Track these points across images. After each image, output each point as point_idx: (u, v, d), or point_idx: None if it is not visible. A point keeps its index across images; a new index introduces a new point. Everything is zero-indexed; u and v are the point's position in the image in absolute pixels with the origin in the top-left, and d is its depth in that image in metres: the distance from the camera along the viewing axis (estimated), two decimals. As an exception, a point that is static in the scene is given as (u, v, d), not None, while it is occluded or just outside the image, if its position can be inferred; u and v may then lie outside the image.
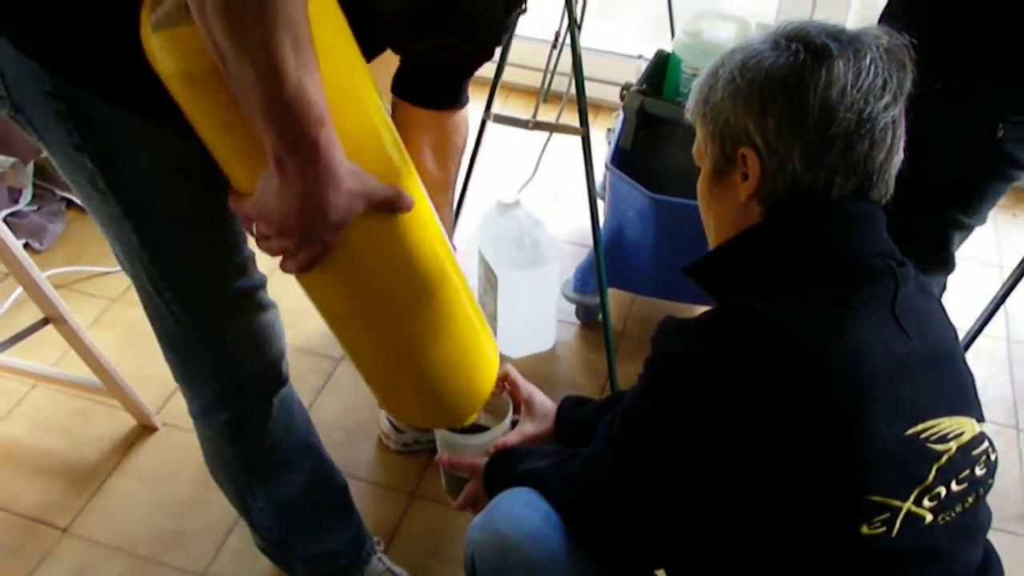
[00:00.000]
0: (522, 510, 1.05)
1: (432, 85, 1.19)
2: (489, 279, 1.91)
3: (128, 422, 1.82)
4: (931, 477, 0.85)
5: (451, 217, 1.35)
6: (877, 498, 0.83)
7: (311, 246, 0.89)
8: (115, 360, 1.73)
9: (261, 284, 1.15)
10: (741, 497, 0.86)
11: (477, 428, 1.30)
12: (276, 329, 1.19)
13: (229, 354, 1.17)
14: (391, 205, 0.93)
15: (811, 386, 0.82)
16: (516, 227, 1.87)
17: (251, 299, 1.14)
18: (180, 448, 1.77)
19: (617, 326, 2.11)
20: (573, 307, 2.10)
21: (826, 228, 0.89)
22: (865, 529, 0.83)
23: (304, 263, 0.91)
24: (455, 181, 1.35)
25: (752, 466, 0.84)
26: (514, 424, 1.34)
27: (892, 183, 0.91)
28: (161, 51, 0.83)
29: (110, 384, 1.70)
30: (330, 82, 0.82)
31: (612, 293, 2.12)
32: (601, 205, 2.05)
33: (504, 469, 1.17)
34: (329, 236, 0.89)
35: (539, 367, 2.00)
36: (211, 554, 1.59)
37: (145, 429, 1.81)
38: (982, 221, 1.41)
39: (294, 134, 0.80)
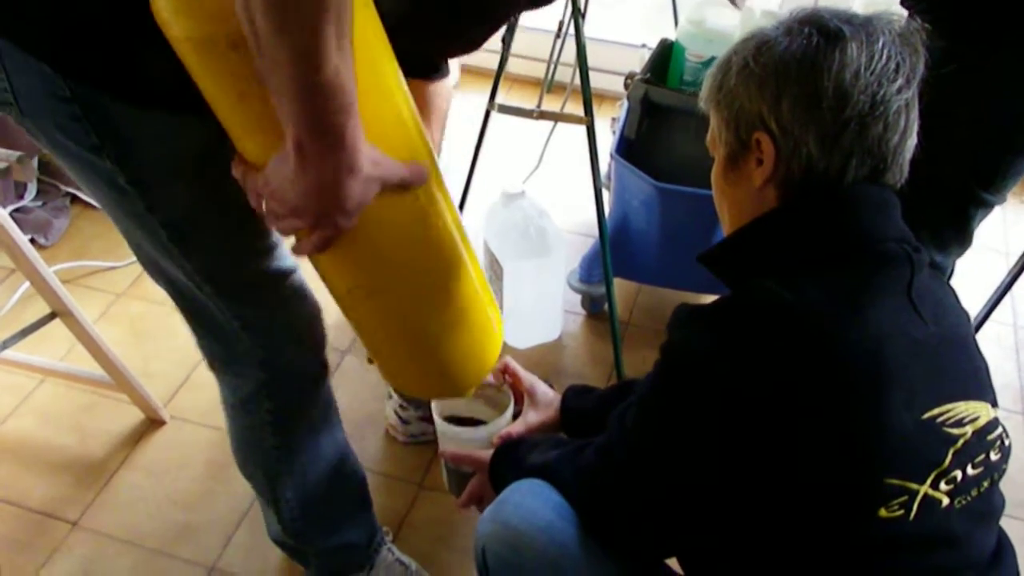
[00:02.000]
0: (533, 502, 1.04)
1: (414, 57, 1.10)
2: (495, 269, 1.90)
3: (136, 416, 1.82)
4: (948, 461, 0.85)
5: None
6: (895, 481, 0.83)
7: (324, 229, 0.88)
8: (122, 355, 1.73)
9: (294, 268, 1.14)
10: (760, 484, 0.86)
11: (478, 422, 1.30)
12: (317, 314, 1.19)
13: (274, 340, 1.16)
14: (406, 184, 0.92)
15: (831, 371, 0.82)
16: (521, 218, 1.86)
17: (288, 282, 1.13)
18: (188, 442, 1.77)
19: (623, 316, 2.11)
20: (579, 297, 2.10)
21: (842, 212, 0.88)
22: (883, 512, 0.83)
23: (318, 245, 0.90)
24: (439, 147, 1.33)
25: (772, 452, 0.84)
26: (516, 416, 1.34)
27: (906, 167, 0.91)
28: (170, 13, 0.80)
29: (118, 378, 1.70)
30: (359, 60, 0.79)
31: (618, 283, 2.12)
32: (606, 195, 2.04)
33: (511, 461, 1.17)
34: (344, 221, 0.87)
35: (545, 357, 2.00)
36: (220, 547, 1.59)
37: (153, 423, 1.81)
38: (1003, 199, 1.41)
39: (322, 121, 0.78)
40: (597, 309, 2.10)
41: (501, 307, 1.92)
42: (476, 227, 2.03)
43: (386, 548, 1.46)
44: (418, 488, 1.71)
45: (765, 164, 0.90)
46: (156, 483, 1.70)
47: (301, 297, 1.16)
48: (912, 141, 0.90)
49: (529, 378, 1.36)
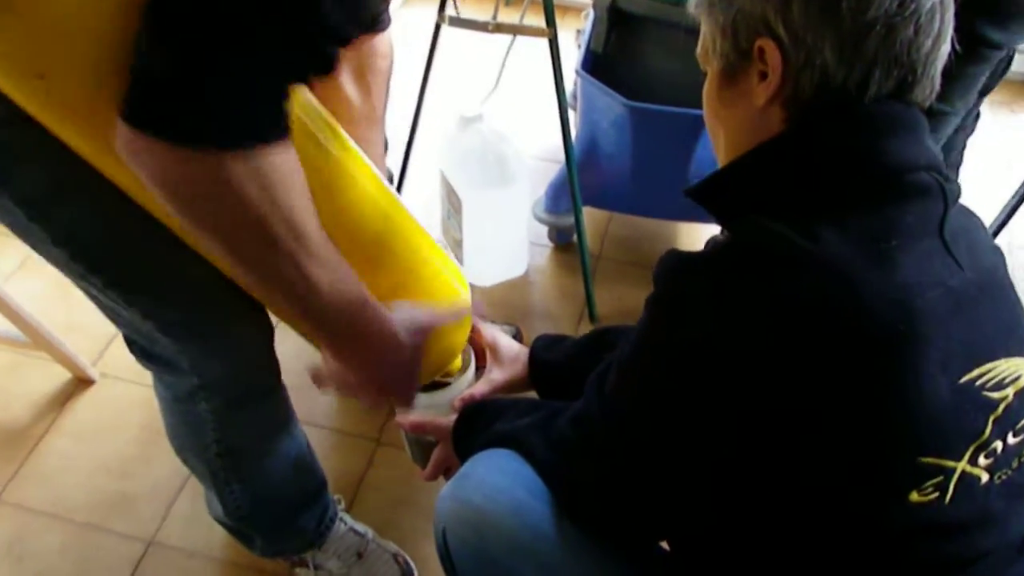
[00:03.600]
0: (499, 478, 0.91)
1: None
2: (452, 202, 1.74)
3: (62, 375, 1.65)
4: (988, 431, 0.72)
5: (382, 154, 1.19)
6: (929, 460, 0.70)
7: (398, 385, 0.99)
8: (44, 308, 1.56)
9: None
10: (765, 463, 0.72)
11: (436, 384, 1.15)
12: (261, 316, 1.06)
13: (209, 360, 1.03)
14: (453, 320, 1.02)
15: (854, 330, 0.67)
16: (479, 144, 1.69)
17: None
18: (121, 402, 1.61)
19: (593, 248, 1.95)
20: (545, 229, 1.94)
21: (863, 135, 0.73)
22: (915, 496, 0.70)
23: (383, 402, 1.01)
24: (383, 112, 1.19)
25: (779, 425, 0.70)
26: (480, 374, 1.20)
27: (938, 80, 0.76)
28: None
29: (34, 336, 1.52)
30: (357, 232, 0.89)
31: (588, 212, 1.96)
32: (573, 116, 1.87)
33: (476, 428, 1.03)
34: (411, 376, 0.99)
35: (510, 295, 1.85)
36: (158, 519, 1.45)
37: (81, 382, 1.65)
38: (956, 111, 1.29)
39: (343, 327, 0.84)
40: (565, 240, 1.95)
41: (460, 242, 1.76)
42: (430, 156, 1.85)
43: (339, 520, 1.32)
44: (375, 445, 1.56)
45: (770, 78, 0.74)
46: (86, 449, 1.55)
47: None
48: (946, 47, 0.75)
49: (491, 331, 1.21)
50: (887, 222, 0.70)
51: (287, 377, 1.18)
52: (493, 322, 1.71)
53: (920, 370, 0.68)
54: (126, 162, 0.69)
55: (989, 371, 0.72)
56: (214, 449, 1.12)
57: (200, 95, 0.66)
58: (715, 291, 0.70)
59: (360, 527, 1.36)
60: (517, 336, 1.70)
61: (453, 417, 1.10)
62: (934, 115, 1.32)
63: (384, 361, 0.91)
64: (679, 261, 0.74)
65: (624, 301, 1.83)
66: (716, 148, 0.85)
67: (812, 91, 0.73)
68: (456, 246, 1.80)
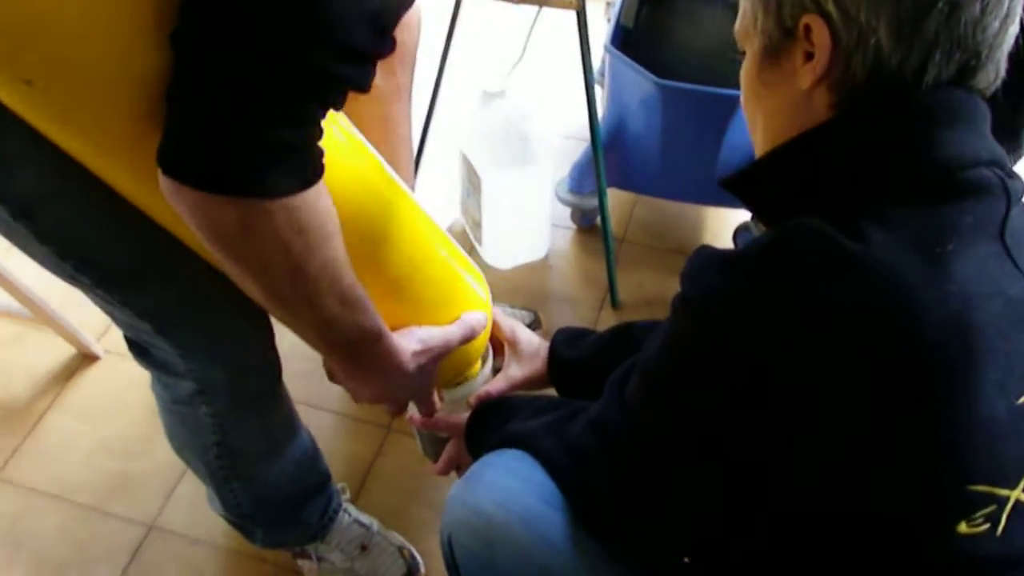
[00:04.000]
0: (511, 482, 0.85)
1: None
2: (472, 181, 1.67)
3: (67, 351, 1.61)
4: None
5: (409, 132, 1.12)
6: (981, 487, 0.63)
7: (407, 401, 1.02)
8: (48, 283, 1.49)
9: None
10: (798, 485, 0.66)
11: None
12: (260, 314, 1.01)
13: (207, 364, 0.98)
14: (466, 342, 1.00)
15: (901, 344, 0.60)
16: (502, 121, 1.62)
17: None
18: (125, 379, 1.57)
19: (618, 231, 1.88)
20: (568, 210, 1.87)
21: (919, 127, 0.65)
22: (964, 527, 0.63)
23: (401, 411, 1.02)
24: (410, 87, 1.12)
25: (815, 446, 0.63)
26: (497, 370, 1.14)
27: (1003, 65, 0.68)
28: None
29: (36, 310, 1.48)
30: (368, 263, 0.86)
31: (613, 194, 1.89)
32: (600, 93, 1.79)
33: (490, 426, 0.98)
34: (418, 399, 1.01)
35: (530, 279, 1.78)
36: (160, 502, 1.41)
37: (86, 358, 1.60)
38: None
39: (355, 358, 0.87)
40: (588, 223, 1.88)
41: (479, 223, 1.69)
42: (451, 133, 1.78)
43: (343, 511, 1.27)
44: (386, 432, 1.51)
45: (817, 59, 0.67)
46: (89, 428, 1.51)
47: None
48: (1015, 28, 0.67)
49: (510, 324, 1.15)
50: (943, 223, 0.63)
51: (297, 361, 1.13)
52: (512, 307, 1.65)
53: (975, 392, 0.60)
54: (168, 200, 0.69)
55: (1052, 392, 0.65)
56: (214, 451, 1.07)
57: (232, 146, 0.65)
58: (750, 294, 0.63)
59: (365, 519, 1.31)
60: (535, 322, 1.63)
61: (467, 414, 1.04)
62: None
63: (393, 386, 0.93)
64: (711, 259, 0.67)
65: (647, 287, 1.76)
66: (753, 135, 0.77)
67: (864, 75, 0.65)
68: (475, 227, 1.73)
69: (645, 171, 1.71)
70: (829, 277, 0.61)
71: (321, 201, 0.71)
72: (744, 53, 0.75)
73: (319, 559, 1.28)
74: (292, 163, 0.68)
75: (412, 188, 1.14)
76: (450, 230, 1.86)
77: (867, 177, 0.66)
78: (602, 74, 1.85)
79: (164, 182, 0.67)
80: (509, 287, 1.75)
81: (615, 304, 1.72)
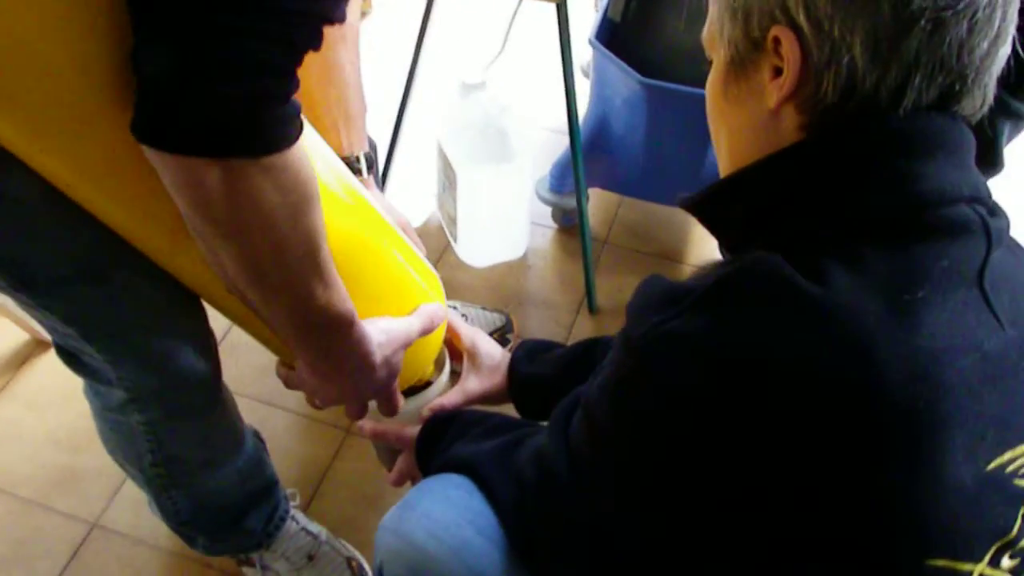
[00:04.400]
0: (446, 512, 0.80)
1: None
2: (448, 175, 1.60)
3: (18, 336, 1.55)
4: (1017, 526, 0.59)
5: (357, 81, 1.05)
6: (941, 562, 0.57)
7: (369, 400, 0.94)
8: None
9: None
10: (739, 547, 0.60)
11: (409, 389, 1.03)
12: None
13: (137, 374, 0.93)
14: (426, 333, 0.94)
15: (861, 402, 0.54)
16: (480, 115, 1.55)
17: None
18: (78, 368, 1.51)
19: (600, 232, 1.82)
20: (550, 209, 1.81)
21: (892, 156, 0.59)
22: None
23: (361, 413, 0.94)
24: (355, 32, 1.05)
25: (761, 508, 0.57)
26: (456, 373, 1.08)
27: (992, 90, 0.61)
28: None
29: (-16, 295, 1.42)
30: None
31: (596, 194, 1.83)
32: (587, 86, 1.73)
33: (439, 445, 0.92)
34: (381, 396, 0.93)
35: (506, 279, 1.72)
36: (105, 500, 1.35)
37: (40, 344, 1.54)
38: None
39: (324, 347, 0.81)
40: (570, 223, 1.81)
41: (454, 219, 1.63)
42: (430, 124, 1.71)
43: (290, 519, 1.22)
44: (344, 435, 1.45)
45: (785, 75, 0.60)
46: (37, 418, 1.45)
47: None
48: (1006, 50, 0.60)
49: (470, 334, 1.09)
50: (914, 267, 0.57)
51: (256, 355, 1.07)
52: (484, 308, 1.59)
53: (939, 459, 0.54)
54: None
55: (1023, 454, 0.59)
56: (149, 459, 1.01)
57: (211, 102, 0.60)
58: (692, 338, 0.57)
59: (314, 527, 1.25)
60: (507, 325, 1.57)
61: (417, 428, 0.99)
62: (1012, 114, 1.16)
63: (357, 379, 0.87)
64: (656, 295, 0.61)
65: (627, 293, 1.67)
66: (717, 152, 0.71)
67: (835, 96, 0.59)
68: (451, 223, 1.67)
69: (628, 172, 1.65)
70: (781, 324, 0.55)
71: (304, 163, 0.67)
72: (711, 62, 0.69)
73: (263, 567, 1.22)
74: (275, 115, 0.63)
75: (365, 144, 1.07)
76: (426, 225, 1.80)
77: (833, 210, 0.59)
78: (590, 68, 1.78)
79: (148, 153, 0.63)
80: (484, 286, 1.69)
81: (592, 309, 1.66)
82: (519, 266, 1.75)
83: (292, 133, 0.65)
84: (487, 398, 1.07)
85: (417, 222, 1.78)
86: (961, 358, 0.55)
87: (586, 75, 1.81)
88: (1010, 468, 0.58)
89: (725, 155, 0.69)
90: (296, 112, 0.65)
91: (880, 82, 0.58)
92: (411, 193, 1.72)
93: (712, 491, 0.58)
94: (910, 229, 0.58)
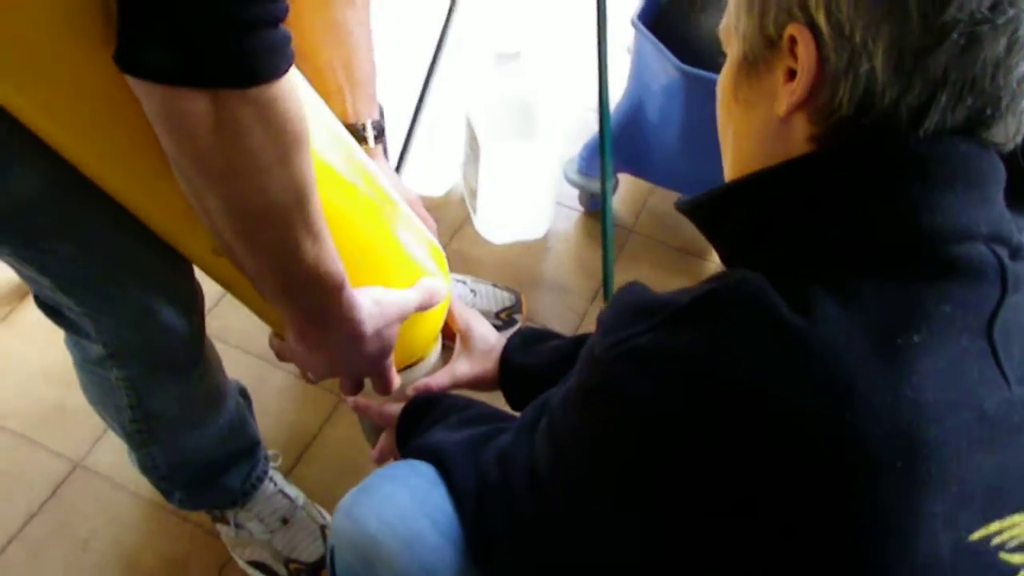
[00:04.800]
0: (403, 501, 0.77)
1: None
2: (472, 147, 1.55)
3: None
4: None
5: (368, 44, 1.00)
6: None
7: (359, 376, 0.90)
8: None
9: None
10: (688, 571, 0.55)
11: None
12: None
13: (118, 332, 0.91)
14: (424, 308, 0.89)
15: (831, 455, 0.49)
16: (512, 87, 1.50)
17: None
18: (80, 305, 1.49)
19: (628, 220, 1.76)
20: (577, 191, 1.75)
21: (905, 183, 0.53)
22: None
23: (356, 389, 0.91)
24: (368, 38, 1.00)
25: (710, 544, 0.53)
26: (448, 349, 1.04)
27: None
28: None
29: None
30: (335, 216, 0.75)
31: (627, 180, 1.76)
32: (627, 67, 1.66)
33: (418, 427, 0.89)
34: (373, 371, 0.89)
35: (522, 258, 1.67)
36: (91, 440, 1.34)
37: (45, 276, 1.53)
38: None
39: (313, 309, 0.77)
40: (596, 207, 1.75)
41: (475, 192, 1.58)
42: (457, 93, 1.66)
43: (268, 479, 1.19)
44: (337, 400, 1.42)
45: (799, 79, 0.55)
46: (31, 350, 1.43)
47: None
48: (1047, 71, 0.54)
49: (466, 315, 1.04)
50: (914, 307, 0.51)
51: (254, 320, 1.04)
52: (495, 285, 1.54)
53: (914, 526, 0.49)
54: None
55: (1014, 526, 0.53)
56: (128, 414, 0.99)
57: (198, 27, 0.56)
58: (661, 358, 0.52)
59: (292, 491, 1.22)
60: (516, 305, 1.53)
61: (400, 406, 0.96)
62: None
63: (348, 348, 0.82)
64: (630, 305, 0.56)
65: (652, 284, 1.64)
66: (723, 153, 0.66)
67: (850, 108, 0.53)
68: (472, 195, 1.62)
69: (661, 160, 1.59)
70: (753, 354, 0.49)
71: (294, 101, 0.63)
72: (726, 56, 0.63)
73: (237, 526, 1.20)
74: (265, 41, 0.59)
75: (375, 111, 1.02)
76: (448, 195, 1.76)
77: (833, 235, 0.54)
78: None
79: (132, 83, 0.59)
80: (498, 263, 1.64)
81: (608, 298, 1.60)
82: (538, 247, 1.70)
83: (281, 63, 0.60)
84: (476, 384, 1.03)
85: (439, 191, 1.73)
86: (951, 415, 0.50)
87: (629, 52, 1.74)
88: (996, 540, 0.53)
89: (730, 158, 0.64)
90: (285, 40, 0.60)
91: (901, 98, 0.52)
92: (436, 160, 1.67)
93: (658, 522, 0.54)
94: (915, 265, 0.52)
